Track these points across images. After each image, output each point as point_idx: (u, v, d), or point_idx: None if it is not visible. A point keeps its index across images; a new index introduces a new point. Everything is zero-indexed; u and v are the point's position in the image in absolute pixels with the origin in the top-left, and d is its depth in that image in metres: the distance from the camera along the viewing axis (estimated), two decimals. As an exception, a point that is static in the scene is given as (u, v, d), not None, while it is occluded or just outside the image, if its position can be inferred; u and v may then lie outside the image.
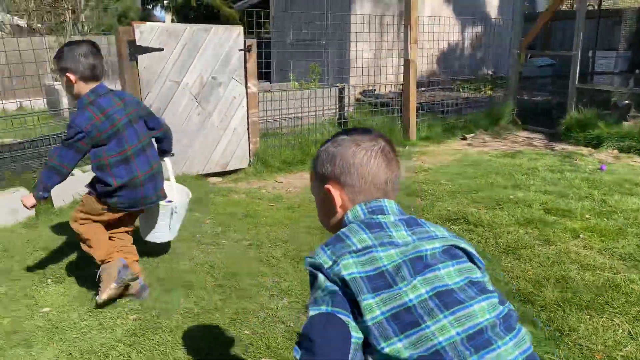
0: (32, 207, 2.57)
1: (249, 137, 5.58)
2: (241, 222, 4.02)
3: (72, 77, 2.56)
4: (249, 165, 5.63)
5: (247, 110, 5.49)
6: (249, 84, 5.43)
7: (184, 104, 5.10)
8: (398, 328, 1.03)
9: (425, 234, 1.17)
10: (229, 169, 5.53)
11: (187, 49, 5.00)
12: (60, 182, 2.61)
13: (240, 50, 5.29)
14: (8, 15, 13.12)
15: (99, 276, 2.74)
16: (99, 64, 2.61)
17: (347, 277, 1.05)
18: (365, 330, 1.05)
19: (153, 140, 2.96)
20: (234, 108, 5.39)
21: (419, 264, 1.09)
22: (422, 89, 9.76)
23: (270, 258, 3.35)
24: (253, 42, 5.38)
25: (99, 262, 2.74)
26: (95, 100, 2.60)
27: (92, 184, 2.74)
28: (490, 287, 1.17)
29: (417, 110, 7.20)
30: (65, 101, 8.63)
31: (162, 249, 3.48)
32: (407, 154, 6.41)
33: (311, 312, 1.07)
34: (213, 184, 5.19)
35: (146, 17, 22.98)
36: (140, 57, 4.77)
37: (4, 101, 5.31)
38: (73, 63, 2.54)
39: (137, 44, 4.75)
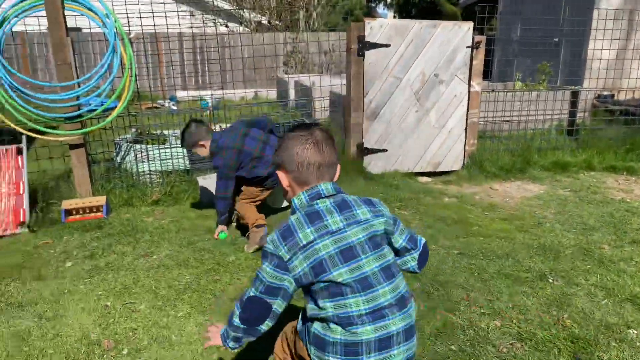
0: None
1: (465, 138, 5.32)
2: (451, 228, 3.84)
3: None
4: (462, 167, 5.38)
5: (467, 110, 5.24)
6: (472, 83, 5.17)
7: (403, 101, 5.08)
8: (328, 294, 1.48)
9: (353, 219, 1.54)
10: (440, 169, 5.36)
11: (413, 45, 4.95)
12: None
13: (468, 47, 5.05)
14: (253, 13, 14.86)
15: (248, 235, 3.54)
16: None
17: (299, 273, 1.49)
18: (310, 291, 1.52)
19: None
20: (453, 107, 5.19)
21: (348, 254, 1.49)
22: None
23: (482, 272, 3.11)
24: (482, 38, 5.09)
25: (251, 226, 3.51)
26: None
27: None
28: (395, 270, 1.57)
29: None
30: (292, 93, 9.40)
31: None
32: (653, 173, 5.42)
33: (250, 289, 1.57)
34: (423, 184, 5.09)
35: (370, 14, 23.88)
36: (367, 53, 4.88)
37: (246, 90, 5.95)
38: None
39: (366, 39, 4.86)
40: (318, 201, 1.56)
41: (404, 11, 21.44)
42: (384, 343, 1.46)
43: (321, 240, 1.48)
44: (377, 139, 5.15)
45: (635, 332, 2.51)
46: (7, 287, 3.00)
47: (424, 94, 5.11)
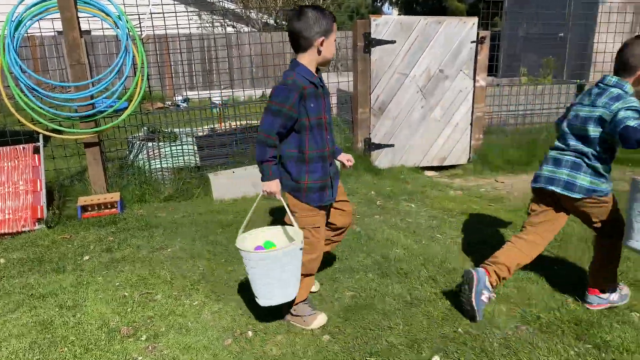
0: None
1: (471, 133, 5.39)
2: (458, 219, 3.92)
3: None
4: (468, 161, 5.45)
5: (473, 105, 5.31)
6: (477, 78, 5.24)
7: (409, 96, 5.16)
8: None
9: None
10: (446, 163, 5.44)
11: (418, 41, 5.03)
12: None
13: (473, 42, 5.12)
14: (260, 13, 14.98)
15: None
16: None
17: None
18: None
19: None
20: (458, 102, 5.26)
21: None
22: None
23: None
24: (487, 33, 5.16)
25: None
26: None
27: None
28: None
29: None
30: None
31: (377, 235, 3.59)
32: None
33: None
34: (429, 177, 5.16)
35: (375, 12, 23.95)
36: (373, 49, 4.97)
37: (255, 89, 6.05)
38: None
39: (372, 36, 4.94)
40: None
41: (409, 9, 21.50)
42: None
43: None
44: (384, 134, 5.23)
45: (638, 314, 2.57)
46: (28, 279, 3.12)
47: (430, 89, 5.18)
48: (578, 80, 7.13)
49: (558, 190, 2.50)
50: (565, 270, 3.05)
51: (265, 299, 2.34)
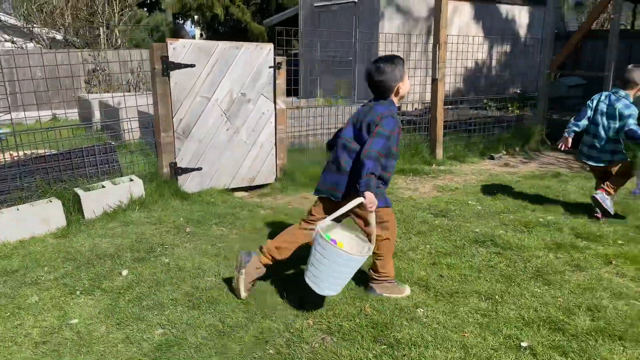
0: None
1: (276, 153, 5.62)
2: (268, 238, 4.03)
3: None
4: (276, 180, 5.66)
5: (275, 126, 5.54)
6: (277, 101, 5.49)
7: (214, 119, 5.18)
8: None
9: None
10: (255, 183, 5.57)
11: (219, 65, 5.08)
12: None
13: (271, 67, 5.36)
14: (45, 29, 13.57)
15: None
16: None
17: None
18: None
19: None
20: (262, 124, 5.45)
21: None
22: (449, 107, 9.72)
23: (296, 276, 3.35)
24: (283, 59, 5.45)
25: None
26: None
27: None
28: None
29: (444, 128, 7.16)
30: (97, 113, 8.83)
31: (187, 265, 3.52)
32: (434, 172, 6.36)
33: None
34: (240, 199, 5.23)
35: (176, 31, 23.52)
36: (172, 73, 4.87)
37: (39, 112, 5.46)
38: None
39: (170, 59, 4.85)
40: None
41: (211, 29, 21.60)
42: None
43: None
44: (190, 158, 5.15)
45: (422, 310, 2.95)
46: None
47: (234, 112, 5.27)
48: (366, 101, 7.93)
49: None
50: (364, 279, 3.35)
51: (328, 290, 2.77)
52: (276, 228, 4.24)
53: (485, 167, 6.75)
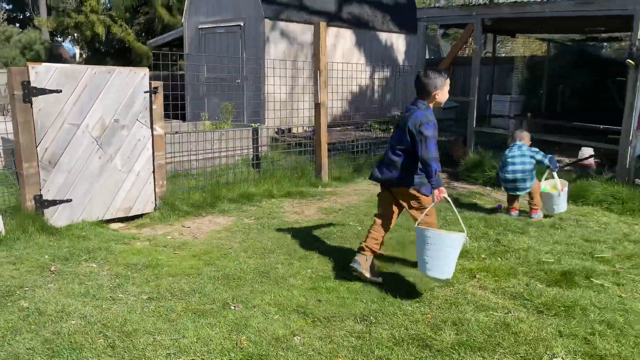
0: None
1: (154, 181, 5.40)
2: (142, 273, 3.83)
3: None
4: (155, 209, 5.43)
5: (153, 153, 5.34)
6: (155, 126, 5.30)
7: (84, 147, 4.87)
8: None
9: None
10: (132, 214, 5.30)
11: (88, 91, 4.81)
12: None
13: (146, 92, 5.17)
14: None
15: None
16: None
17: None
18: None
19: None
20: (138, 151, 5.22)
21: None
22: (336, 129, 10.02)
23: (170, 312, 3.21)
24: (159, 84, 5.29)
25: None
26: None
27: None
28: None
29: (329, 151, 7.36)
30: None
31: (50, 309, 3.23)
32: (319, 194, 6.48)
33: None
34: (114, 231, 4.94)
35: (52, 50, 22.01)
36: (35, 99, 4.52)
37: None
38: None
39: (33, 85, 4.50)
40: None
41: (92, 48, 20.47)
42: None
43: None
44: (58, 189, 4.79)
45: (299, 337, 2.96)
46: None
47: (107, 139, 5.00)
48: (253, 125, 7.93)
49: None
50: (241, 310, 3.29)
51: (445, 274, 3.34)
52: (151, 263, 4.04)
53: (368, 188, 7.01)
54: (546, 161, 5.33)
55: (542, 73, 11.24)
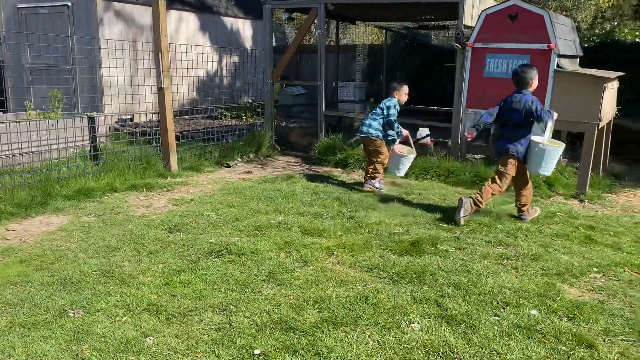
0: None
1: (-34, 180, 4.58)
2: (-48, 289, 3.20)
3: None
4: (-31, 213, 4.61)
5: (-38, 147, 4.51)
6: (-39, 115, 4.47)
7: None
8: None
9: None
10: (-61, 220, 4.44)
11: None
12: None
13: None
14: None
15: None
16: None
17: None
18: None
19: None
20: (-59, 145, 4.37)
21: None
22: (184, 117, 9.53)
23: None
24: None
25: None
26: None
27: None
28: None
29: (178, 139, 6.94)
30: None
31: None
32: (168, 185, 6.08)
33: None
34: None
35: None
36: None
37: None
38: None
39: None
40: None
41: None
42: None
43: None
44: None
45: (152, 338, 2.68)
46: None
47: None
48: (89, 113, 7.16)
49: None
50: (82, 316, 2.90)
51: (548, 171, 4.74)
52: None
53: (222, 176, 6.77)
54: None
55: (381, 60, 11.89)
